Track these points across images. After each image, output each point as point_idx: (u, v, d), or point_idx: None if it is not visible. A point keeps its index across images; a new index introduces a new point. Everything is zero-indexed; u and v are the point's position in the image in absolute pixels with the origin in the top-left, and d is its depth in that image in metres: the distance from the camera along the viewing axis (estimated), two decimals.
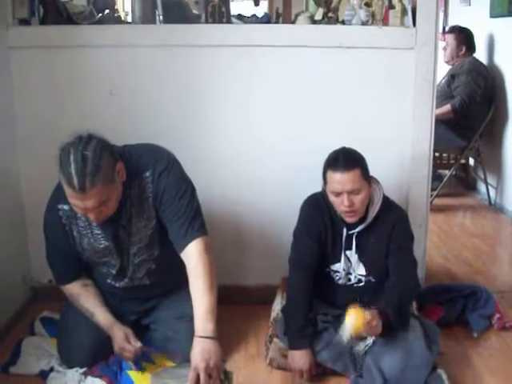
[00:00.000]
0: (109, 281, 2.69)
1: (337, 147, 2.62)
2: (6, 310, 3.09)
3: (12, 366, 2.73)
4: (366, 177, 2.56)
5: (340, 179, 2.50)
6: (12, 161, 3.17)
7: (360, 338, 2.45)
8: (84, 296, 2.67)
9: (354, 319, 2.37)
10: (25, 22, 3.10)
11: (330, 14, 3.19)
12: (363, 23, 3.10)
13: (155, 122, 3.12)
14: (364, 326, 2.36)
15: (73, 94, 3.12)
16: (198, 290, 2.34)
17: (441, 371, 2.49)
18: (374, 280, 2.67)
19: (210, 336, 2.26)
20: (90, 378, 2.61)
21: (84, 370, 2.65)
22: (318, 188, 2.72)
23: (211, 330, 2.28)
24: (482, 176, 5.42)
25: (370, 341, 2.51)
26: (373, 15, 3.12)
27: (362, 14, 3.09)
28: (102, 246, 2.56)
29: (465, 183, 5.88)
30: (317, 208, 2.69)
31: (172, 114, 3.14)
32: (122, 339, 2.59)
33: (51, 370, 2.69)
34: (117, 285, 2.69)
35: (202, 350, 2.22)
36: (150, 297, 2.77)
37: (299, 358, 2.62)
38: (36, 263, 3.30)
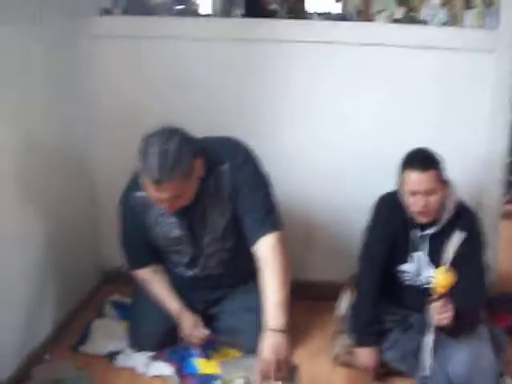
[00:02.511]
0: (180, 269, 2.74)
1: (410, 148, 2.60)
2: (78, 293, 3.18)
3: (82, 346, 2.82)
4: (442, 178, 2.54)
5: (417, 179, 2.48)
6: (88, 146, 3.24)
7: (440, 296, 2.40)
8: (155, 282, 2.73)
9: (447, 273, 2.37)
10: (108, 11, 3.17)
11: (410, 13, 3.16)
12: (444, 23, 3.06)
13: (228, 116, 3.15)
14: (449, 286, 2.36)
15: (150, 84, 3.19)
16: (270, 282, 2.34)
17: (508, 379, 2.47)
18: None
19: (280, 329, 2.26)
20: (157, 362, 2.68)
21: (152, 354, 2.72)
22: (390, 189, 2.70)
23: (282, 323, 2.27)
24: None
25: (429, 341, 2.48)
26: (454, 16, 3.08)
27: (443, 14, 3.06)
28: (175, 234, 2.60)
29: None
30: (391, 207, 2.67)
31: (246, 110, 3.17)
32: (190, 326, 2.66)
33: (120, 351, 2.77)
34: (187, 273, 2.74)
35: (271, 343, 2.22)
36: (219, 287, 2.81)
37: (365, 355, 2.63)
38: (107, 248, 3.38)
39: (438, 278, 2.39)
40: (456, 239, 2.44)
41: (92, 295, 3.29)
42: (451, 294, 2.40)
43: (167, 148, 2.25)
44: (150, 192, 2.34)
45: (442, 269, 2.40)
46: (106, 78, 3.20)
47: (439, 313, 2.38)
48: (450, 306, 2.38)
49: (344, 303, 2.93)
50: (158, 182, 2.24)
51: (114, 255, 3.09)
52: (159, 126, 2.34)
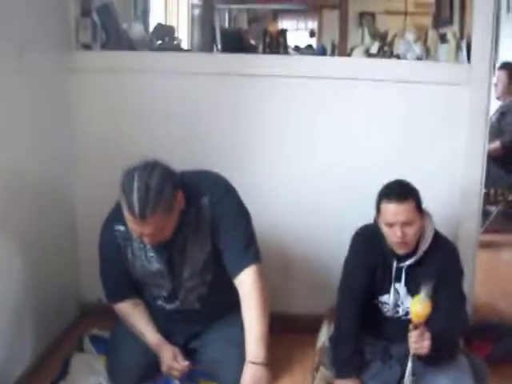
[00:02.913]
0: (159, 303, 2.74)
1: (386, 181, 2.64)
2: (56, 327, 3.15)
3: (61, 382, 2.78)
4: (420, 209, 2.58)
5: (394, 210, 2.51)
6: (68, 179, 3.25)
7: (417, 325, 2.42)
8: (134, 315, 2.73)
9: (424, 301, 2.39)
10: (87, 46, 3.21)
11: (385, 48, 3.23)
12: (418, 58, 3.13)
13: (211, 148, 3.18)
14: (426, 316, 2.38)
15: (131, 117, 3.21)
16: (250, 315, 2.37)
17: None
18: None
19: (261, 362, 2.29)
20: None
21: None
22: (368, 221, 2.73)
23: (263, 356, 2.31)
24: None
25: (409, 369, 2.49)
26: (427, 50, 3.15)
27: (417, 48, 3.14)
28: (154, 268, 2.61)
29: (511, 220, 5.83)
30: (369, 239, 2.70)
31: (228, 142, 3.21)
32: (170, 358, 2.65)
33: None
34: (167, 307, 2.73)
35: (252, 375, 2.26)
36: (200, 321, 2.79)
37: None
38: (85, 282, 3.37)
39: (414, 307, 2.41)
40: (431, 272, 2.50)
41: (71, 328, 3.27)
42: (430, 322, 2.42)
43: (149, 182, 2.28)
44: (131, 226, 2.35)
45: (417, 299, 2.42)
46: (84, 112, 3.22)
47: (417, 342, 2.40)
48: (428, 335, 2.40)
49: (324, 335, 2.94)
50: (140, 218, 2.26)
51: (93, 288, 3.07)
52: (140, 160, 2.36)
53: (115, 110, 3.22)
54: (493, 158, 4.82)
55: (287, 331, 3.04)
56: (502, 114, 5.20)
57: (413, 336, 2.41)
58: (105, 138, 3.22)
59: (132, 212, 2.27)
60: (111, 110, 3.23)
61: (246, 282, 2.44)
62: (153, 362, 2.70)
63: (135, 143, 3.09)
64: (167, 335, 2.72)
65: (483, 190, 3.35)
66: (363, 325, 2.70)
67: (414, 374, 2.49)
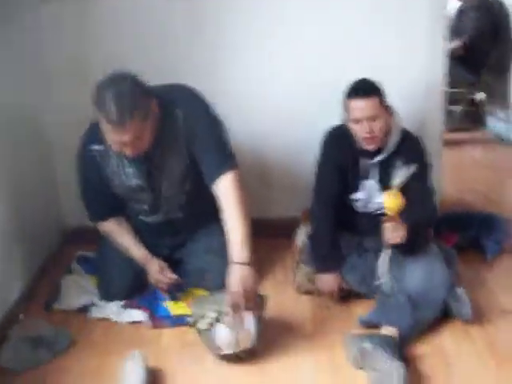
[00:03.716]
0: (141, 217, 2.82)
1: (352, 78, 2.70)
2: (44, 252, 3.24)
3: (54, 303, 2.89)
4: (385, 105, 2.67)
5: (360, 106, 2.61)
6: (42, 103, 3.25)
7: (392, 217, 2.56)
8: (119, 232, 2.81)
9: (394, 196, 2.52)
10: None
11: None
12: None
13: (184, 60, 3.21)
14: (399, 209, 2.51)
15: (103, 39, 3.19)
16: (231, 218, 2.43)
17: (459, 289, 2.63)
18: None
19: (245, 262, 2.36)
20: (129, 310, 2.77)
21: (123, 302, 2.81)
22: (338, 122, 2.81)
23: (246, 256, 2.37)
24: (491, 110, 5.50)
25: (385, 259, 2.64)
26: None
27: None
28: (134, 183, 2.67)
29: (474, 118, 5.95)
30: (338, 140, 2.80)
31: (193, 53, 3.21)
32: (157, 272, 2.75)
33: (92, 304, 2.84)
34: (149, 220, 2.82)
35: (238, 275, 2.33)
36: (182, 231, 2.89)
37: (327, 280, 2.78)
38: (68, 205, 3.43)
39: (387, 201, 2.55)
40: (405, 170, 2.57)
41: (57, 253, 3.35)
42: (402, 214, 2.55)
43: (122, 90, 2.32)
44: (112, 137, 2.40)
45: (390, 193, 2.55)
46: (59, 34, 3.20)
47: (392, 233, 2.55)
48: (402, 226, 2.54)
49: (301, 235, 3.06)
50: (119, 124, 2.31)
51: (76, 212, 3.17)
52: (108, 74, 2.39)
53: (87, 32, 3.20)
54: (454, 58, 4.90)
55: (266, 236, 3.13)
56: (462, 12, 5.25)
57: (388, 228, 2.55)
58: (75, 62, 3.21)
59: (111, 120, 2.31)
60: (83, 31, 3.20)
61: (225, 187, 2.49)
62: (141, 276, 2.80)
63: (108, 64, 3.07)
64: (152, 248, 2.81)
65: (445, 89, 3.43)
66: (338, 221, 2.83)
67: (389, 262, 2.64)
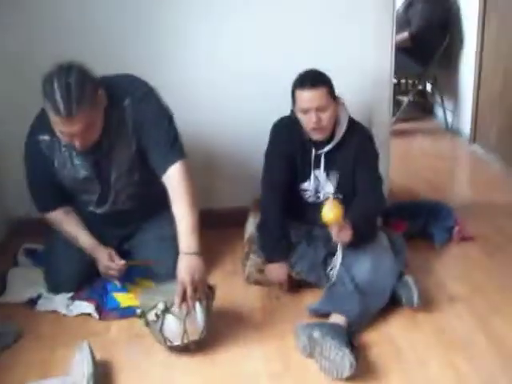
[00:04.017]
0: (90, 208, 2.78)
1: (300, 69, 2.70)
2: None
3: (0, 296, 2.83)
4: (333, 96, 2.68)
5: (308, 96, 2.61)
6: None
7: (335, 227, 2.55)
8: (67, 221, 2.77)
9: (333, 206, 2.51)
10: None
11: None
12: None
13: (133, 51, 3.18)
14: (341, 216, 2.51)
15: (42, 29, 3.13)
16: (180, 208, 2.42)
17: (407, 277, 2.66)
18: (341, 197, 2.77)
19: (194, 252, 2.36)
20: (77, 302, 2.74)
21: (71, 294, 2.77)
22: (286, 112, 2.81)
23: (195, 246, 2.37)
24: (439, 101, 5.58)
25: (339, 255, 2.65)
26: None
27: None
28: (82, 175, 2.64)
29: (422, 108, 6.03)
30: (286, 130, 2.80)
31: (140, 41, 3.19)
32: (107, 259, 2.73)
33: (39, 297, 2.79)
34: (98, 211, 2.79)
35: (187, 265, 2.32)
36: (131, 221, 2.87)
37: (276, 270, 2.78)
38: (11, 197, 3.38)
39: (327, 214, 2.53)
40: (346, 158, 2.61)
41: (2, 246, 3.29)
42: (349, 208, 2.58)
43: (69, 81, 2.28)
44: (60, 129, 2.37)
45: (327, 207, 2.53)
46: None
47: (338, 235, 2.56)
48: (347, 226, 2.56)
49: (251, 226, 3.07)
50: (67, 115, 2.28)
51: (20, 204, 3.14)
52: (55, 65, 2.35)
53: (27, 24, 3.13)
54: (402, 49, 4.94)
55: (215, 227, 3.14)
56: (410, 4, 5.31)
57: (334, 232, 2.56)
58: (14, 53, 3.15)
59: (58, 111, 2.28)
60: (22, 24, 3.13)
61: (174, 178, 2.49)
62: (90, 267, 2.77)
63: (48, 54, 3.01)
64: (100, 240, 2.78)
65: (393, 79, 3.47)
66: (287, 211, 2.84)
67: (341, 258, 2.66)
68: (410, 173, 4.41)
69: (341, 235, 2.56)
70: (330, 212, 2.51)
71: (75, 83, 2.29)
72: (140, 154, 2.60)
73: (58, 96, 2.26)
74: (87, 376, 2.12)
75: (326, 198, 2.63)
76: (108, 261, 2.73)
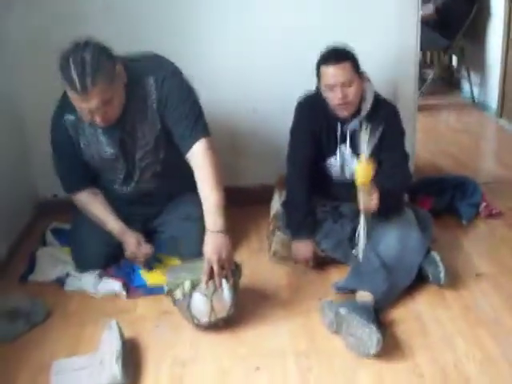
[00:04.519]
0: (116, 187, 2.79)
1: (325, 45, 2.68)
2: (17, 226, 3.22)
3: (30, 275, 2.87)
4: (358, 71, 2.65)
5: (333, 72, 2.59)
6: (11, 76, 3.21)
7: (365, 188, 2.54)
8: (94, 204, 2.77)
9: (366, 165, 2.50)
10: None
11: None
12: None
13: (146, 24, 3.17)
14: (370, 176, 2.50)
15: (66, 13, 3.12)
16: (206, 186, 2.43)
17: (434, 254, 2.65)
18: None
19: (220, 230, 2.36)
20: (105, 280, 2.76)
21: (98, 272, 2.79)
22: (312, 87, 2.79)
23: (221, 224, 2.37)
24: (466, 74, 5.51)
25: (362, 225, 2.62)
26: None
27: None
28: (107, 152, 2.65)
29: (448, 82, 5.97)
30: (311, 106, 2.79)
31: (163, 22, 3.18)
32: (134, 245, 2.74)
33: (67, 275, 2.82)
34: (124, 190, 2.79)
35: (213, 243, 2.33)
36: (157, 201, 2.88)
37: (303, 248, 2.79)
38: (40, 178, 3.41)
39: (359, 169, 2.53)
40: (371, 136, 2.53)
41: (31, 226, 3.33)
42: (376, 180, 2.54)
43: (84, 56, 2.28)
44: (79, 105, 2.37)
45: (361, 161, 2.53)
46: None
47: (365, 199, 2.54)
48: (375, 193, 2.54)
49: (276, 203, 3.07)
50: (82, 90, 2.28)
51: (48, 184, 3.18)
52: (73, 42, 2.35)
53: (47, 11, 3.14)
54: (426, 23, 4.89)
55: (240, 204, 3.14)
56: None
57: (362, 195, 2.54)
58: (37, 35, 3.16)
59: (73, 87, 2.28)
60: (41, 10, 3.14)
61: (198, 155, 2.49)
62: (116, 248, 2.78)
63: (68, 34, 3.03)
64: (126, 219, 2.79)
65: (419, 54, 3.43)
66: (313, 188, 2.83)
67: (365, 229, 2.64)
68: (436, 148, 4.38)
69: (367, 201, 2.55)
70: (362, 170, 2.50)
71: (90, 58, 2.28)
72: (165, 133, 2.60)
73: (73, 72, 2.26)
74: (116, 353, 2.14)
75: (359, 159, 2.57)
76: (135, 247, 2.74)
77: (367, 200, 2.55)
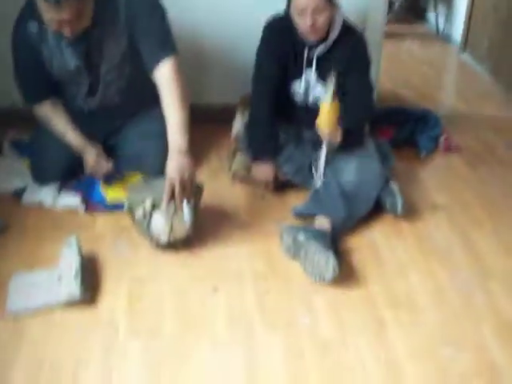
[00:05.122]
0: (79, 101, 2.74)
1: None
2: None
3: None
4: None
5: None
6: None
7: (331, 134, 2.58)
8: (55, 115, 2.71)
9: (327, 113, 2.52)
10: None
11: None
12: None
13: None
14: (336, 122, 2.53)
15: None
16: (171, 105, 2.39)
17: (393, 184, 2.69)
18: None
19: (184, 150, 2.34)
20: (63, 194, 2.73)
21: (57, 185, 2.75)
22: (280, 10, 2.73)
23: (185, 144, 2.35)
24: (432, 5, 5.48)
25: (323, 153, 2.66)
26: None
27: None
28: (72, 64, 2.58)
29: (414, 11, 5.93)
30: (278, 29, 2.74)
31: None
32: (94, 159, 2.71)
33: (25, 188, 2.77)
34: (86, 105, 2.74)
35: (176, 163, 2.31)
36: (119, 116, 2.83)
37: (263, 170, 2.81)
38: None
39: (322, 118, 2.54)
40: (330, 82, 2.53)
41: None
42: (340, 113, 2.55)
43: None
44: (50, 16, 2.29)
45: (323, 109, 2.53)
46: None
47: (329, 137, 2.57)
48: (339, 129, 2.57)
49: (238, 123, 3.06)
50: (56, 3, 2.21)
51: (5, 92, 3.06)
52: None
53: None
54: None
55: (202, 122, 3.04)
56: None
57: (326, 133, 2.57)
58: None
59: None
60: None
61: (164, 74, 2.44)
62: (76, 161, 2.74)
63: None
64: (87, 134, 2.74)
65: None
66: (276, 113, 2.82)
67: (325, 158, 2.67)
68: (398, 77, 4.39)
69: (331, 136, 2.57)
70: (326, 117, 2.52)
71: None
72: (132, 48, 2.54)
73: None
74: (75, 270, 2.15)
75: (322, 102, 2.57)
76: (95, 161, 2.71)
77: (330, 137, 2.57)
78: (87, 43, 2.52)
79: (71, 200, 2.70)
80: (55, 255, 2.29)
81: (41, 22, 2.42)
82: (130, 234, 2.52)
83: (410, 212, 2.72)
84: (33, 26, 2.51)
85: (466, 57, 4.82)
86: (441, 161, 3.28)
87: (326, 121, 2.53)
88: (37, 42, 2.55)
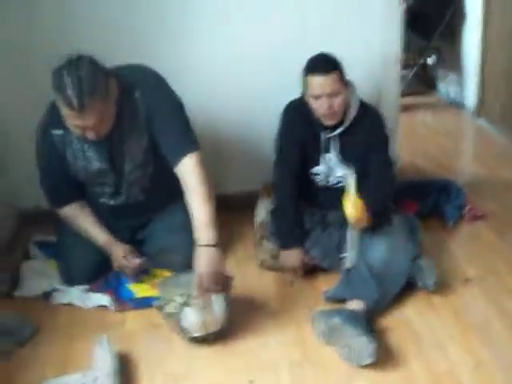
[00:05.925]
0: (103, 200, 2.77)
1: (310, 53, 2.68)
2: None
3: (15, 290, 2.81)
4: (344, 80, 2.65)
5: (319, 82, 2.59)
6: None
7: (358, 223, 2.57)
8: (81, 217, 2.74)
9: (354, 205, 2.51)
10: None
11: None
12: None
13: (139, 36, 3.12)
14: (363, 213, 2.52)
15: (48, 16, 3.06)
16: (196, 200, 2.40)
17: (423, 260, 2.67)
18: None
19: (212, 244, 2.34)
20: (92, 294, 2.73)
21: (86, 286, 2.76)
22: (297, 95, 2.78)
23: (213, 237, 2.35)
24: (442, 74, 5.54)
25: (350, 239, 2.63)
26: None
27: None
28: (96, 167, 2.62)
29: (424, 82, 5.99)
30: (296, 113, 2.78)
31: (155, 28, 3.14)
32: (121, 257, 2.72)
33: (54, 290, 2.78)
34: (111, 203, 2.77)
35: (205, 257, 2.31)
36: (144, 212, 2.86)
37: (291, 256, 2.78)
38: (21, 188, 3.33)
39: (350, 212, 2.53)
40: (350, 176, 2.55)
41: (13, 239, 3.27)
42: (364, 193, 2.55)
43: (80, 74, 2.26)
44: (74, 122, 2.35)
45: (348, 202, 2.53)
46: None
47: (357, 224, 2.57)
48: (366, 216, 2.56)
49: (262, 210, 3.06)
50: (79, 109, 2.26)
51: (30, 195, 3.12)
52: (65, 57, 2.32)
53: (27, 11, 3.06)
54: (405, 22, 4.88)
55: (224, 212, 3.09)
56: None
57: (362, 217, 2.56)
58: (21, 42, 3.08)
59: (71, 106, 2.26)
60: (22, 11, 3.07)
61: (188, 169, 2.46)
62: (104, 260, 2.76)
63: (51, 42, 2.96)
64: (114, 231, 2.76)
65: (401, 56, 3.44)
66: (300, 196, 2.83)
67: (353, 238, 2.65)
68: (414, 149, 4.38)
69: (359, 224, 2.57)
70: (353, 210, 2.51)
71: (86, 75, 2.26)
72: (153, 147, 2.58)
73: (69, 90, 2.24)
74: (110, 371, 2.13)
75: (346, 190, 2.57)
76: (123, 259, 2.72)
77: (359, 224, 2.58)
78: (109, 144, 2.56)
79: (100, 299, 2.69)
80: (86, 355, 2.28)
81: (63, 127, 2.48)
82: (161, 330, 2.50)
83: (442, 286, 2.68)
84: (57, 133, 2.57)
85: (482, 121, 4.84)
86: (467, 229, 3.24)
87: (353, 215, 2.53)
88: (61, 147, 2.60)
